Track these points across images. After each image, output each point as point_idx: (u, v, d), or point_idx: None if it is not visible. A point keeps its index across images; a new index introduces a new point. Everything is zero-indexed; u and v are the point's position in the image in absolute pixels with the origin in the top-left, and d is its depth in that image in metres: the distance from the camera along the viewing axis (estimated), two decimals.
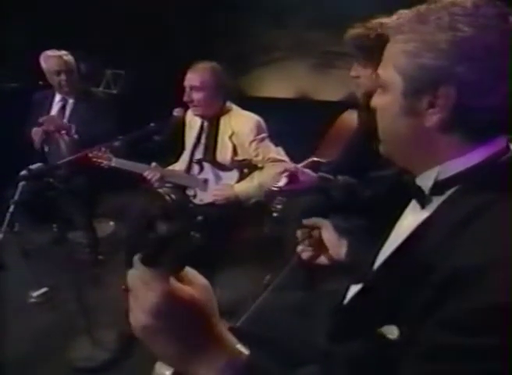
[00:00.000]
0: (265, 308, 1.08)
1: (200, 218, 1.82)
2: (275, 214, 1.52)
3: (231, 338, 0.53)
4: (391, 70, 0.69)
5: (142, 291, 0.48)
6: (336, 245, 1.06)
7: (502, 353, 0.48)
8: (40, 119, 2.45)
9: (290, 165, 1.57)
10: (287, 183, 1.41)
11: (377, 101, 0.76)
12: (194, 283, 0.51)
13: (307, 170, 1.45)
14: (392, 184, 1.11)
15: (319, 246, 1.09)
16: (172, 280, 0.48)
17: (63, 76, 2.52)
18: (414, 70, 0.65)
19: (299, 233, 1.12)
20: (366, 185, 1.42)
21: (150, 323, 0.48)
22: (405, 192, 0.76)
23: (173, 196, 0.48)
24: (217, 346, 0.50)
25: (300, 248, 1.11)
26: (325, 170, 1.57)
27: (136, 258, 0.48)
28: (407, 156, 0.74)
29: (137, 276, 0.48)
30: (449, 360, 0.52)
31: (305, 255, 1.10)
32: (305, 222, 1.12)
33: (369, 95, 0.79)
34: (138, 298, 0.48)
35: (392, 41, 0.69)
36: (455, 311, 0.52)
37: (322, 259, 1.09)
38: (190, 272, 0.52)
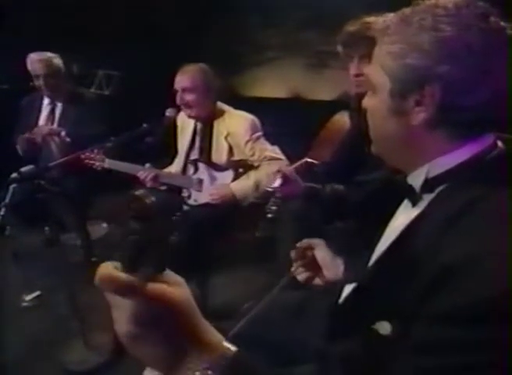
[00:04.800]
0: (260, 308, 1.07)
1: (178, 214, 1.80)
2: (269, 215, 1.51)
3: (217, 335, 0.52)
4: (379, 71, 0.71)
5: (120, 298, 0.46)
6: (331, 266, 1.04)
7: (496, 346, 0.49)
8: (27, 135, 2.44)
9: (284, 167, 1.56)
10: (282, 184, 1.41)
11: (367, 102, 0.78)
12: (170, 281, 0.49)
13: (297, 177, 1.45)
14: (384, 185, 1.10)
15: (313, 267, 1.06)
16: (150, 283, 0.47)
17: (48, 80, 2.47)
18: (400, 71, 0.67)
19: (292, 253, 1.09)
20: (355, 190, 1.41)
21: (133, 330, 0.47)
22: (397, 192, 0.77)
23: (153, 198, 0.47)
24: (203, 344, 0.49)
25: (294, 268, 1.08)
26: (318, 171, 1.57)
27: (111, 263, 0.47)
28: (397, 155, 0.76)
29: (112, 283, 0.46)
30: (444, 354, 0.52)
31: (301, 277, 1.08)
32: (298, 244, 1.10)
33: (361, 96, 0.80)
34: (118, 305, 0.47)
35: (379, 43, 0.72)
36: (447, 305, 0.53)
37: (317, 281, 1.07)
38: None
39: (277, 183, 1.40)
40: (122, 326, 0.47)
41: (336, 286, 0.93)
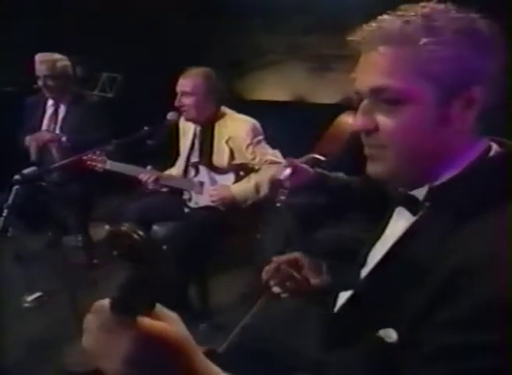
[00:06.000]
0: (255, 319, 1.06)
1: (165, 247, 1.80)
2: (278, 204, 1.51)
3: (214, 368, 0.50)
4: (417, 80, 0.64)
5: (110, 339, 0.44)
6: (317, 273, 1.00)
7: (504, 350, 0.48)
8: (27, 139, 2.46)
9: (291, 159, 1.57)
10: (291, 174, 1.41)
11: (388, 122, 0.67)
12: (163, 316, 0.46)
13: (304, 166, 1.46)
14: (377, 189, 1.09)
15: (293, 281, 1.01)
16: (142, 319, 0.44)
17: (48, 81, 2.47)
18: (445, 75, 0.63)
19: (264, 272, 1.03)
20: (360, 182, 1.42)
21: (126, 372, 0.44)
22: (392, 199, 0.76)
23: (141, 233, 0.45)
24: None
25: (275, 289, 1.02)
26: (323, 167, 1.58)
27: (99, 304, 0.44)
28: (411, 172, 0.70)
29: (100, 322, 0.44)
30: (453, 360, 0.51)
31: (284, 296, 1.03)
32: (275, 258, 1.04)
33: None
34: (107, 346, 0.44)
35: (407, 50, 0.64)
36: (454, 310, 0.52)
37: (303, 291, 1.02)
38: (156, 307, 0.47)
39: (286, 172, 1.41)
40: (112, 366, 0.44)
41: (326, 292, 0.90)
